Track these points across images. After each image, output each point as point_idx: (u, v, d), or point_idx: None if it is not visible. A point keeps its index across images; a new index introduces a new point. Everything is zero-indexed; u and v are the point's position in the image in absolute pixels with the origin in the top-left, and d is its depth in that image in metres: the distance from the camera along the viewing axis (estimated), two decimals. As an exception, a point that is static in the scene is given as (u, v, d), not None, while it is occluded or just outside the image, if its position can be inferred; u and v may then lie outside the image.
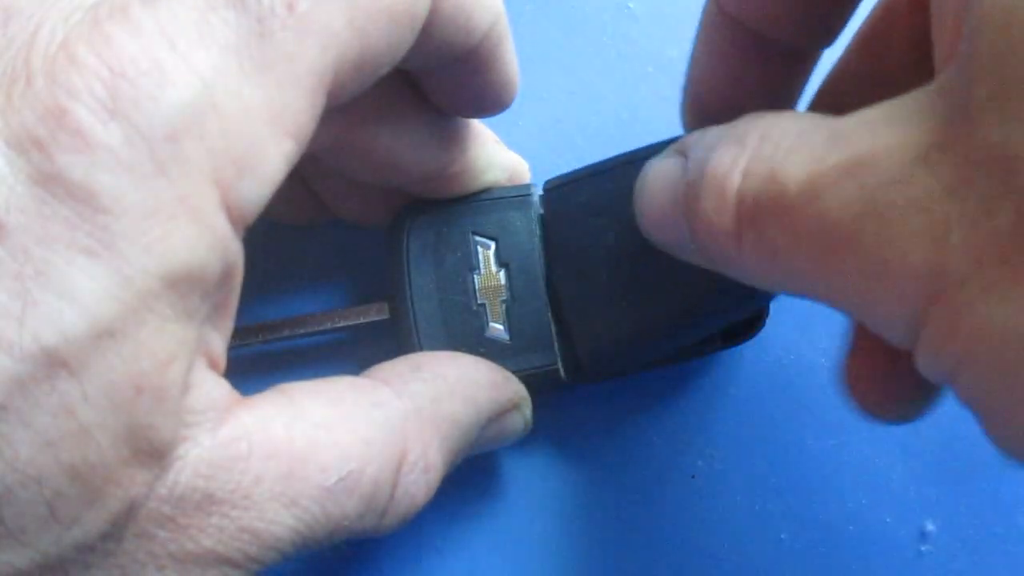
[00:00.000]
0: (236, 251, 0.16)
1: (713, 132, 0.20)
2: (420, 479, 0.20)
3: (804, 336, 0.27)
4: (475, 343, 0.24)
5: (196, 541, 0.16)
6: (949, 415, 0.22)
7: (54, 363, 0.13)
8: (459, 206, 0.25)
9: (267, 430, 0.17)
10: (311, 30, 0.15)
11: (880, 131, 0.15)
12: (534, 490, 0.27)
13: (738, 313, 0.25)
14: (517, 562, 0.26)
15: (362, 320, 0.25)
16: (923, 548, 0.26)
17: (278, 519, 0.17)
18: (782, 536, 0.26)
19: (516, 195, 0.25)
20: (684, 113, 0.25)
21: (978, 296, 0.14)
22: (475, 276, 0.25)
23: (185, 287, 0.15)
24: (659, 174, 0.21)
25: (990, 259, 0.13)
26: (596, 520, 0.26)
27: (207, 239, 0.15)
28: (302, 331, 0.25)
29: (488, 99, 0.22)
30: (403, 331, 0.24)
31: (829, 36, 0.22)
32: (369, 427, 0.19)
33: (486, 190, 0.25)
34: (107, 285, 0.14)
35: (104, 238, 0.14)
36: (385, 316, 0.25)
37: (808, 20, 0.21)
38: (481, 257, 0.25)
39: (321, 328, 0.25)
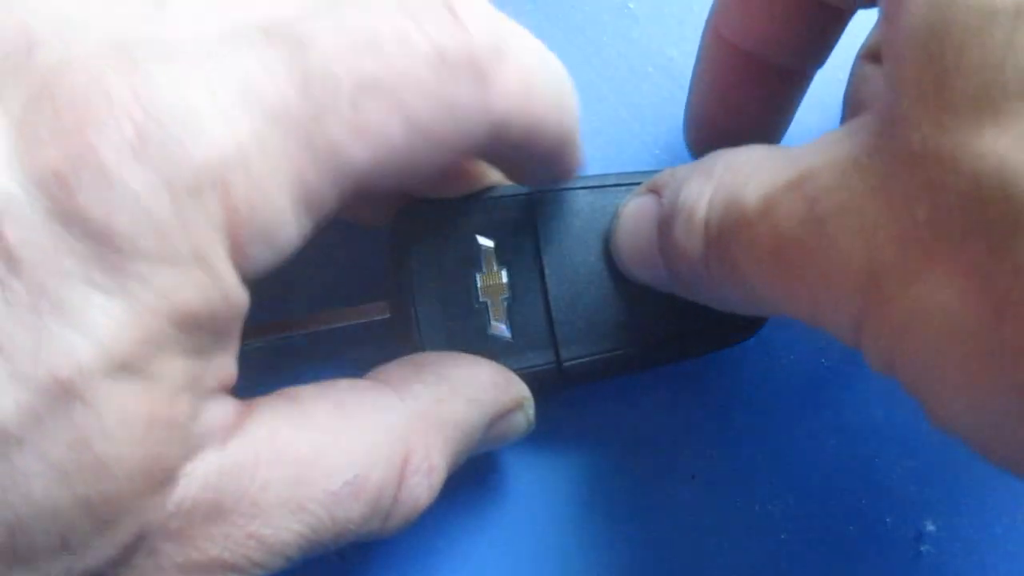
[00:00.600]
0: (243, 298, 0.16)
1: (683, 169, 0.21)
2: (424, 481, 0.20)
3: (804, 336, 0.28)
4: (477, 342, 0.24)
5: (202, 551, 0.16)
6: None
7: (70, 395, 0.13)
8: (461, 205, 0.25)
9: (273, 437, 0.17)
10: (368, 132, 0.15)
11: (824, 149, 0.16)
12: (534, 490, 0.27)
13: (713, 345, 0.25)
14: (517, 562, 0.26)
15: (362, 320, 0.25)
16: (923, 548, 0.26)
17: (284, 525, 0.17)
18: (782, 536, 0.26)
19: (518, 194, 0.25)
20: (688, 133, 0.26)
21: (904, 284, 0.15)
22: (477, 275, 0.24)
23: (194, 328, 0.15)
24: (634, 212, 0.23)
25: (912, 249, 0.14)
26: (596, 520, 0.26)
27: (216, 289, 0.15)
28: (302, 331, 0.25)
29: (545, 179, 0.23)
30: (405, 331, 0.24)
31: (819, 57, 0.23)
32: (373, 431, 0.19)
33: (488, 189, 0.25)
34: (121, 322, 0.14)
35: (118, 278, 0.14)
36: (386, 316, 0.25)
37: (799, 43, 0.22)
38: (483, 256, 0.25)
39: (321, 328, 0.25)
